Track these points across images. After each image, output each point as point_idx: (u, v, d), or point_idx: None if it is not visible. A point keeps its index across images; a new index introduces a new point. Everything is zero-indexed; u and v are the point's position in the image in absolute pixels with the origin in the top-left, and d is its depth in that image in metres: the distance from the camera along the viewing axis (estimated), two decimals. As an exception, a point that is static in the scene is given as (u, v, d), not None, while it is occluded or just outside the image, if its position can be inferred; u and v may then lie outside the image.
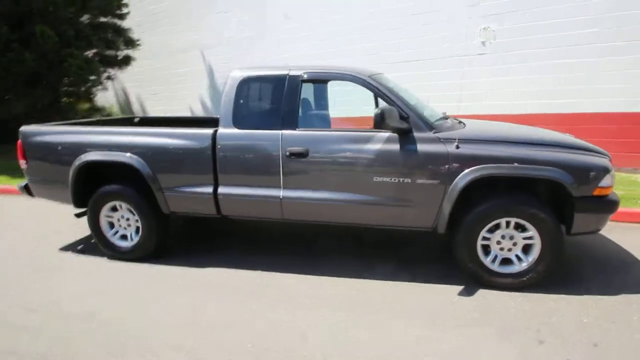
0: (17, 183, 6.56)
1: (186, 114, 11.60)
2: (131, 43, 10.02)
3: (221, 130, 3.30)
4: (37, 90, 8.29)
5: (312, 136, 3.13)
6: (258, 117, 3.34)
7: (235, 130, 3.27)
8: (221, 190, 3.33)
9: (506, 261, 2.98)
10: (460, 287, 3.01)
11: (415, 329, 2.52)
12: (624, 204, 3.77)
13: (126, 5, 9.79)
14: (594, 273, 3.22)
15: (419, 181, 2.93)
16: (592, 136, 4.10)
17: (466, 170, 2.83)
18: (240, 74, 3.35)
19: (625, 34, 5.51)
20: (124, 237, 3.74)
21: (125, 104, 13.83)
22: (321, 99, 4.16)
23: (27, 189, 3.97)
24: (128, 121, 5.24)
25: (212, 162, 3.30)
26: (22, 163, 3.86)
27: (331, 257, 3.64)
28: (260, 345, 2.42)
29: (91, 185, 3.67)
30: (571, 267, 3.27)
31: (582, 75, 5.90)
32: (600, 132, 5.57)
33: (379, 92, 3.10)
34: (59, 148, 3.64)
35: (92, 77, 8.72)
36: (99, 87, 9.61)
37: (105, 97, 12.78)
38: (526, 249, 2.93)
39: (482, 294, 2.93)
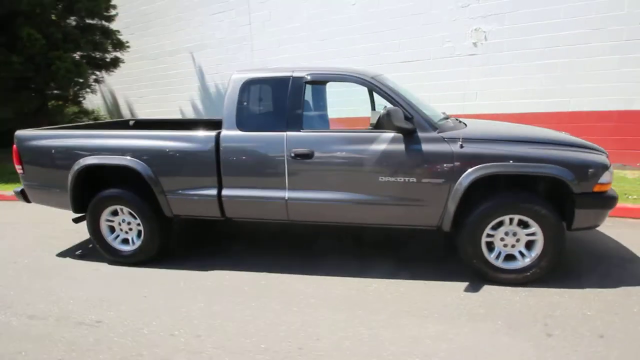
0: (8, 188, 6.46)
1: (176, 116, 11.50)
2: (120, 45, 9.88)
3: (224, 132, 3.29)
4: (24, 94, 8.11)
5: (317, 137, 3.15)
6: (262, 119, 3.35)
7: (239, 133, 3.27)
8: (225, 192, 3.32)
9: (510, 257, 3.05)
10: (465, 284, 3.06)
11: (429, 325, 2.56)
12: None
13: (114, 7, 9.65)
14: (591, 267, 3.32)
15: (424, 180, 2.97)
16: (584, 134, 4.21)
17: (470, 169, 2.89)
18: (242, 76, 3.35)
19: (616, 34, 5.69)
20: (125, 241, 3.69)
21: (113, 107, 13.61)
22: (320, 100, 4.18)
23: (23, 195, 3.89)
24: (123, 124, 5.17)
25: (215, 164, 3.29)
26: (18, 168, 3.78)
27: (332, 257, 3.66)
28: (274, 347, 2.42)
29: (90, 190, 3.62)
30: (568, 261, 3.36)
31: (576, 74, 6.05)
32: (591, 129, 5.72)
33: (382, 93, 3.14)
34: (53, 152, 3.59)
35: (81, 80, 8.55)
36: (88, 90, 9.43)
37: (92, 100, 12.58)
38: (529, 245, 3.00)
39: (487, 289, 2.99)
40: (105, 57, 10.08)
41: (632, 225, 4.24)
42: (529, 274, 2.98)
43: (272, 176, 3.22)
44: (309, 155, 3.11)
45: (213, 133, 3.30)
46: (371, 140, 3.05)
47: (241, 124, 3.27)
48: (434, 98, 6.03)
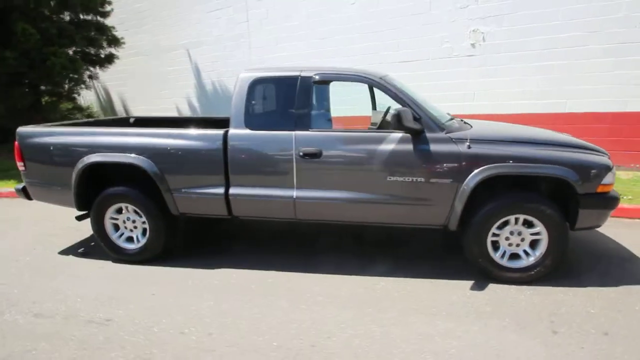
0: (2, 185, 6.36)
1: (172, 113, 11.41)
2: (115, 41, 9.75)
3: (232, 131, 3.30)
4: (17, 90, 7.97)
5: (325, 137, 3.17)
6: (270, 118, 3.36)
7: (247, 131, 3.27)
8: (232, 190, 3.33)
9: (514, 256, 3.11)
10: (470, 282, 3.12)
11: (438, 323, 2.61)
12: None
13: (109, 2, 9.53)
14: (590, 266, 3.39)
15: (432, 180, 3.01)
16: (580, 135, 4.29)
17: (477, 169, 2.93)
18: (250, 75, 3.36)
19: (612, 37, 5.80)
20: (129, 239, 3.68)
21: (107, 103, 13.45)
22: (324, 100, 4.21)
23: (24, 192, 3.84)
24: (123, 121, 5.13)
25: (223, 162, 3.29)
26: (19, 165, 3.74)
27: (335, 255, 3.69)
28: (286, 344, 2.44)
29: (94, 188, 3.60)
30: (568, 260, 3.42)
31: (573, 76, 6.16)
32: (587, 131, 5.82)
33: (391, 93, 3.16)
34: (56, 149, 3.55)
35: (75, 76, 8.43)
36: (82, 86, 9.30)
37: (85, 96, 12.41)
38: (533, 244, 3.07)
39: (493, 288, 3.05)
40: (100, 53, 9.95)
41: (629, 225, 4.34)
42: (533, 272, 3.04)
43: (280, 175, 3.23)
44: (317, 155, 3.13)
45: (221, 131, 3.30)
46: (380, 140, 3.08)
47: (249, 123, 3.28)
48: (432, 98, 6.06)
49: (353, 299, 2.96)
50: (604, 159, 3.02)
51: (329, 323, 2.66)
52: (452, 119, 3.47)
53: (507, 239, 3.08)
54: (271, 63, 9.10)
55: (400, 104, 3.09)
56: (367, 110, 5.14)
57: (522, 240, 3.07)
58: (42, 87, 8.81)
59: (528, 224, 3.03)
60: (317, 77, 3.23)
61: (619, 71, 5.82)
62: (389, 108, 4.10)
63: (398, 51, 7.49)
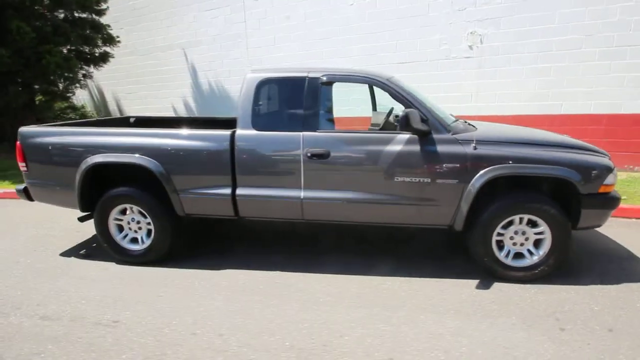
0: (1, 186, 6.25)
1: (168, 113, 11.33)
2: (110, 40, 9.66)
3: (240, 131, 3.30)
4: (11, 89, 7.84)
5: (333, 137, 3.19)
6: (277, 119, 3.37)
7: (255, 132, 3.28)
8: (239, 191, 3.33)
9: (518, 255, 3.16)
10: (475, 281, 3.16)
11: (447, 321, 2.64)
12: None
13: (105, 0, 9.42)
14: (590, 264, 3.46)
15: (439, 181, 3.05)
16: (576, 136, 4.37)
17: (483, 170, 2.98)
18: (258, 75, 3.36)
19: (607, 40, 5.91)
20: (134, 240, 3.65)
21: (100, 103, 13.30)
22: (327, 101, 4.21)
23: (25, 193, 3.80)
24: (124, 121, 5.09)
25: (230, 163, 3.29)
26: (21, 165, 3.69)
27: (339, 256, 3.72)
28: (298, 344, 2.45)
29: (97, 188, 3.57)
30: (568, 259, 3.48)
31: (568, 78, 6.27)
32: (583, 132, 5.93)
33: (398, 94, 3.19)
34: (60, 149, 3.52)
35: (71, 75, 8.32)
36: (77, 85, 9.19)
37: (78, 96, 12.24)
38: (537, 244, 3.12)
39: (498, 287, 3.10)
40: (94, 51, 9.84)
41: (626, 225, 4.43)
42: (537, 271, 3.10)
43: (288, 176, 3.24)
44: (324, 156, 3.15)
45: (228, 132, 3.30)
46: (387, 141, 3.11)
47: (256, 124, 3.28)
48: (430, 99, 6.17)
49: (361, 298, 2.98)
50: (605, 160, 3.09)
51: (340, 322, 2.68)
52: (456, 121, 3.52)
53: (511, 238, 3.13)
54: (269, 63, 9.10)
55: (408, 105, 3.12)
56: (364, 112, 5.18)
57: (526, 239, 3.13)
58: (36, 86, 8.67)
59: (532, 224, 3.09)
60: (324, 78, 3.25)
61: (614, 74, 5.94)
62: (392, 109, 4.14)
63: (396, 52, 7.55)
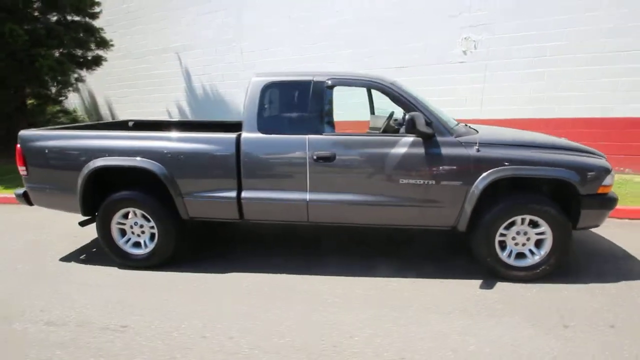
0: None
1: (162, 117, 11.25)
2: (104, 43, 9.58)
3: (245, 134, 3.32)
4: (1, 93, 7.72)
5: (338, 140, 3.23)
6: (283, 122, 3.39)
7: (260, 135, 3.30)
8: (245, 194, 3.34)
9: (520, 255, 3.23)
10: (478, 281, 3.22)
11: (454, 321, 2.69)
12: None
13: (99, 3, 9.36)
14: (587, 264, 3.55)
15: (443, 183, 3.11)
16: (570, 139, 4.50)
17: (486, 172, 3.05)
18: (263, 79, 3.39)
19: (600, 46, 6.09)
20: (136, 244, 3.63)
21: (91, 107, 13.17)
22: (332, 104, 4.25)
23: (25, 197, 3.75)
24: (122, 125, 5.06)
25: (235, 166, 3.30)
26: (21, 170, 3.65)
27: (340, 258, 3.75)
28: (309, 345, 2.47)
29: (99, 192, 3.54)
30: (566, 259, 3.57)
31: (561, 83, 6.43)
32: (576, 136, 6.06)
33: (402, 98, 3.25)
34: (62, 152, 3.50)
35: (65, 78, 8.23)
36: (70, 89, 9.08)
37: (68, 100, 12.10)
38: (538, 244, 3.20)
39: (501, 286, 3.16)
40: (87, 55, 9.75)
41: (619, 225, 4.55)
42: (538, 270, 3.17)
43: (294, 178, 3.27)
44: (330, 158, 3.19)
45: (234, 135, 3.31)
46: (392, 144, 3.16)
47: (262, 127, 3.30)
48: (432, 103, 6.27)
49: (367, 299, 3.01)
50: (603, 162, 3.18)
51: (348, 323, 2.70)
52: (458, 124, 3.58)
53: (513, 238, 3.20)
54: (263, 68, 9.12)
55: (412, 109, 3.17)
56: (362, 115, 5.22)
57: (528, 239, 3.20)
58: (28, 90, 8.55)
59: (533, 224, 3.16)
60: (330, 82, 3.29)
61: (606, 79, 6.12)
62: (392, 113, 4.20)
63: (390, 57, 7.65)
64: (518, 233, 3.18)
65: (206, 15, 9.90)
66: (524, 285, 3.16)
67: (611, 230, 4.29)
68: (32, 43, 7.46)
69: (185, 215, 3.47)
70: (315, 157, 3.19)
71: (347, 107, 6.95)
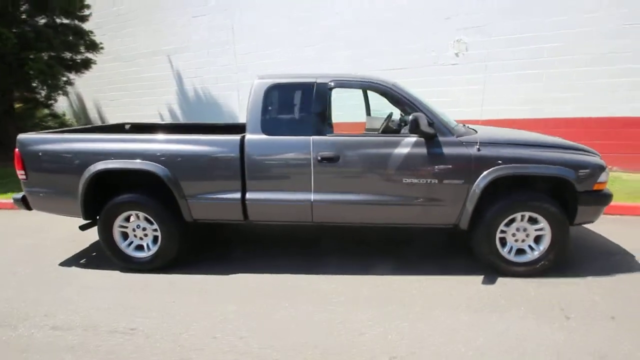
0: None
1: (154, 120, 11.15)
2: (93, 46, 9.47)
3: (249, 136, 3.34)
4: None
5: (342, 141, 3.27)
6: (287, 124, 3.41)
7: (264, 137, 3.32)
8: (249, 195, 3.36)
9: (520, 251, 3.32)
10: (480, 277, 3.29)
11: (461, 316, 2.75)
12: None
13: (88, 6, 9.26)
14: (583, 259, 3.65)
15: (445, 182, 3.18)
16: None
17: (487, 171, 3.13)
18: (266, 81, 3.42)
19: (598, 47, 6.28)
20: (139, 247, 3.61)
21: (80, 110, 12.96)
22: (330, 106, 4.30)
23: (24, 202, 3.69)
24: (118, 128, 5.02)
25: (240, 168, 3.32)
26: (20, 174, 3.60)
27: (342, 257, 3.79)
28: (322, 344, 2.50)
29: (101, 196, 3.52)
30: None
31: (557, 83, 6.61)
32: (570, 135, 6.23)
33: (404, 99, 3.31)
34: (62, 156, 3.46)
35: (54, 82, 8.11)
36: (59, 92, 8.94)
37: (56, 103, 11.90)
38: (537, 240, 3.29)
39: (502, 282, 3.24)
40: (76, 58, 9.63)
41: (611, 221, 4.68)
42: (538, 266, 3.26)
43: (298, 179, 3.30)
44: (334, 159, 3.23)
45: (237, 137, 3.33)
46: (395, 144, 3.22)
47: (266, 128, 3.33)
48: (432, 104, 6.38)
49: (374, 297, 3.06)
50: (598, 159, 3.30)
51: (357, 321, 2.74)
52: (457, 124, 3.67)
53: (513, 235, 3.28)
54: (257, 70, 9.09)
55: (414, 109, 3.23)
56: (358, 117, 5.28)
57: (527, 236, 3.29)
58: (17, 94, 8.39)
59: (532, 221, 3.25)
60: (332, 84, 3.33)
61: (601, 80, 6.31)
62: (390, 114, 4.27)
63: (384, 59, 7.74)
64: (518, 230, 3.27)
65: (199, 18, 9.87)
66: (524, 280, 3.24)
67: (603, 226, 4.42)
68: (21, 46, 7.34)
69: (189, 217, 3.46)
70: (319, 158, 3.23)
71: (344, 108, 7.05)
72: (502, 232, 3.27)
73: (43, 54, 8.15)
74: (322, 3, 8.32)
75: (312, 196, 3.30)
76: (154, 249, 3.55)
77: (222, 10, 9.48)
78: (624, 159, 6.44)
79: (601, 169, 3.22)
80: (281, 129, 3.37)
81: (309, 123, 3.31)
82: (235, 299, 3.08)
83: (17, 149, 3.55)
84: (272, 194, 3.35)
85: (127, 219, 3.57)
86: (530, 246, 3.30)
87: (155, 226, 3.50)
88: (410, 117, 3.04)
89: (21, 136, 3.59)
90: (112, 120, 11.95)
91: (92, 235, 4.06)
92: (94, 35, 9.74)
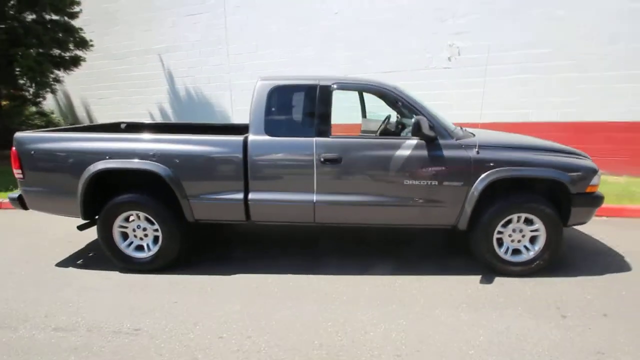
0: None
1: (144, 119, 10.99)
2: (83, 44, 9.32)
3: (252, 137, 3.36)
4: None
5: (345, 143, 3.32)
6: (290, 125, 3.45)
7: (268, 138, 3.35)
8: (252, 196, 3.37)
9: (516, 251, 3.42)
10: (477, 277, 3.38)
11: (462, 315, 2.82)
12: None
13: (78, 3, 9.10)
14: (575, 259, 3.77)
15: (445, 183, 3.25)
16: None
17: (485, 173, 3.22)
18: (269, 82, 3.44)
19: (578, 55, 6.49)
20: (139, 247, 3.59)
21: (67, 108, 12.70)
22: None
23: (20, 201, 3.63)
24: (114, 127, 4.96)
25: (243, 168, 3.34)
26: (17, 173, 3.54)
27: (342, 258, 3.84)
28: (327, 343, 2.54)
29: (100, 196, 3.49)
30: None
31: (543, 89, 6.80)
32: (557, 139, 6.43)
33: (406, 102, 3.38)
34: (61, 155, 3.43)
35: (43, 79, 7.95)
36: (48, 90, 8.77)
37: (43, 101, 11.66)
38: (533, 240, 3.39)
39: (499, 281, 3.33)
40: (65, 55, 9.45)
41: (600, 223, 4.83)
42: (533, 265, 3.36)
43: (301, 180, 3.33)
44: (337, 160, 3.27)
45: (240, 138, 3.35)
46: (396, 147, 3.28)
47: (269, 129, 3.35)
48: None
49: (376, 297, 3.11)
50: (590, 162, 3.42)
51: (361, 320, 2.78)
52: (456, 127, 3.75)
53: (510, 235, 3.38)
54: (250, 70, 9.12)
55: (415, 112, 3.31)
56: (354, 119, 5.34)
57: (523, 236, 3.39)
58: (4, 91, 8.20)
59: (528, 222, 3.35)
60: (335, 87, 3.38)
61: (582, 85, 6.51)
62: (388, 116, 4.34)
63: (379, 61, 7.83)
64: (514, 230, 3.37)
65: (191, 17, 9.80)
66: (520, 279, 3.34)
67: (592, 227, 4.57)
68: (9, 43, 7.18)
69: (191, 217, 3.46)
70: (322, 159, 3.27)
71: (342, 110, 7.10)
72: (499, 232, 3.36)
73: (32, 50, 7.99)
74: (322, 3, 8.35)
75: (315, 197, 3.34)
76: (155, 249, 3.53)
77: (215, 9, 9.43)
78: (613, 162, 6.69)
79: (594, 171, 3.34)
80: (284, 130, 3.40)
81: (311, 125, 3.35)
82: (237, 299, 3.09)
83: (14, 148, 3.50)
84: (274, 194, 3.38)
85: (127, 219, 3.54)
86: (525, 246, 3.40)
87: (156, 226, 3.48)
88: (413, 120, 3.10)
89: (19, 135, 3.54)
90: (100, 119, 11.75)
91: (89, 235, 4.03)
92: (84, 32, 9.58)
